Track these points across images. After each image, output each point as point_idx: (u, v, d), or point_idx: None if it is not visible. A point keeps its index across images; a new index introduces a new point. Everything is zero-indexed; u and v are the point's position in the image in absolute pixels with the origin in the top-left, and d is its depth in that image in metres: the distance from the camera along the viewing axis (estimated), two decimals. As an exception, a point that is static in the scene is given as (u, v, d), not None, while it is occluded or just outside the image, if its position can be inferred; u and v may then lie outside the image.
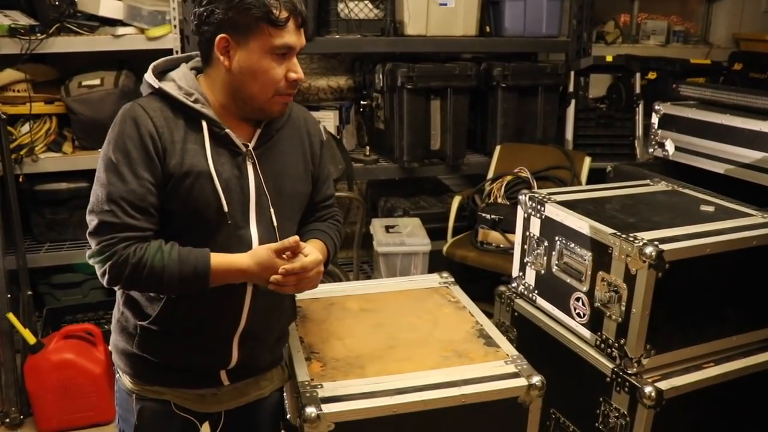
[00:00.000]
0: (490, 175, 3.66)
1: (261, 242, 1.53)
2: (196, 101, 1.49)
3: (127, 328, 1.59)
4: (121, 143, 1.43)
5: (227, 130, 1.50)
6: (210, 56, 1.49)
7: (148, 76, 1.53)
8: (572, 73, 3.92)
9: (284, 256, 1.48)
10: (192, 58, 1.60)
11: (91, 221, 1.43)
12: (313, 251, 1.52)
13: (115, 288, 1.48)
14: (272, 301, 1.60)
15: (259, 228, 1.54)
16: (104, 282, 1.45)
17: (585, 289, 2.02)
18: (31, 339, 2.84)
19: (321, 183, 1.74)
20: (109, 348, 1.69)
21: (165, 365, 1.58)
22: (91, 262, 1.45)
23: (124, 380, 1.65)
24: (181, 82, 1.51)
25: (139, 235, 1.43)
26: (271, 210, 1.55)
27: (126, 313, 1.59)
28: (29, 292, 3.04)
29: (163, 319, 1.53)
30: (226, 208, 1.48)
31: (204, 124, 1.49)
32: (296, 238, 1.47)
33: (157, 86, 1.50)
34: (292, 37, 1.45)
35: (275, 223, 1.55)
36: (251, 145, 1.54)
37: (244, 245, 1.51)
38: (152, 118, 1.45)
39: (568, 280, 2.09)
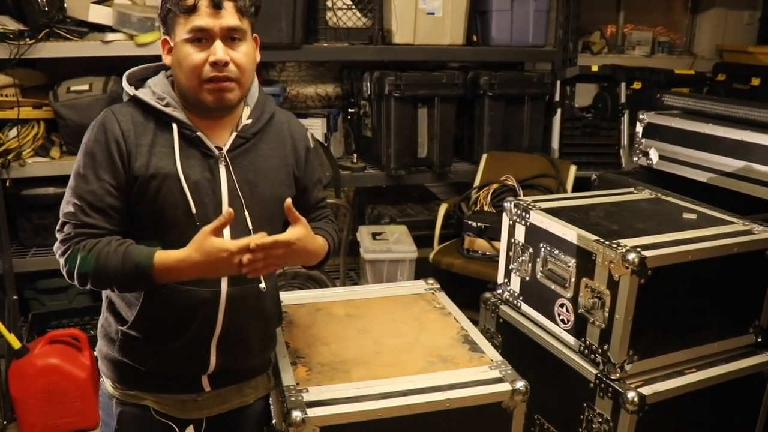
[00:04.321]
0: (477, 183, 3.68)
1: None
2: (167, 105, 1.52)
3: (110, 333, 1.60)
4: (90, 147, 1.49)
5: (198, 133, 1.52)
6: None
7: (124, 84, 1.57)
8: (558, 82, 3.96)
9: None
10: None
11: (59, 219, 1.50)
12: (292, 231, 1.47)
13: (75, 283, 1.49)
14: (249, 305, 1.59)
15: (232, 231, 1.52)
16: (65, 276, 1.49)
17: (569, 295, 2.04)
18: (16, 344, 2.83)
19: (311, 187, 1.75)
20: (95, 353, 1.70)
21: (145, 370, 1.58)
22: (56, 256, 1.50)
23: (106, 385, 1.66)
24: (155, 88, 1.55)
25: (94, 232, 1.46)
26: (246, 213, 1.55)
27: (109, 318, 1.60)
28: (15, 297, 3.03)
29: (140, 323, 1.54)
30: (194, 210, 1.48)
31: (174, 126, 1.51)
32: (230, 210, 1.41)
33: (132, 93, 1.54)
34: (203, 19, 1.45)
35: (250, 227, 1.54)
36: (225, 149, 1.54)
37: None
38: (119, 123, 1.49)
39: (553, 287, 2.11)
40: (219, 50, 1.46)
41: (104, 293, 1.61)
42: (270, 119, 1.64)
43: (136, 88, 1.56)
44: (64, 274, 1.49)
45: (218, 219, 1.40)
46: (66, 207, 1.48)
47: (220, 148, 1.54)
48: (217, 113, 1.55)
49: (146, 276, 1.43)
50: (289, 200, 1.48)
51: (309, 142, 1.74)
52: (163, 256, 1.44)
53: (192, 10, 1.45)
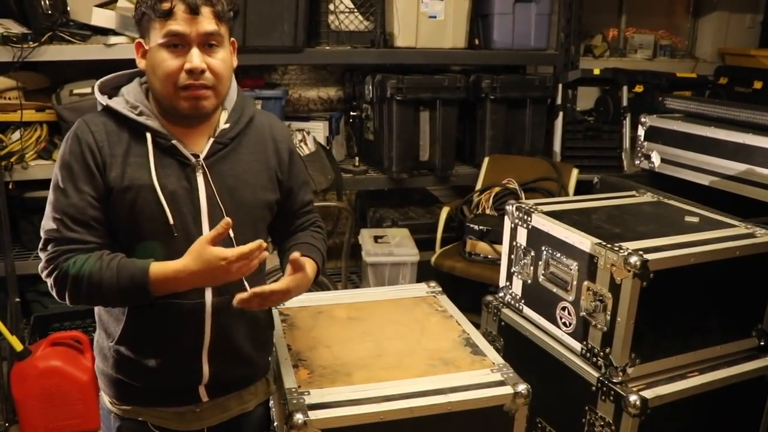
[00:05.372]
0: (479, 186, 3.68)
1: None
2: (140, 114, 1.48)
3: (103, 349, 1.58)
4: (65, 159, 1.45)
5: (174, 141, 1.48)
6: None
7: (96, 93, 1.53)
8: (560, 85, 3.96)
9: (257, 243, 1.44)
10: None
11: (41, 237, 1.46)
12: (292, 278, 1.48)
13: (67, 302, 1.47)
14: (236, 312, 1.54)
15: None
16: (55, 296, 1.46)
17: (571, 298, 2.04)
18: (18, 346, 2.83)
19: (296, 190, 1.70)
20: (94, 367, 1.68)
21: (140, 386, 1.57)
22: (42, 276, 1.47)
23: (104, 399, 1.65)
24: (129, 96, 1.51)
25: (80, 247, 1.43)
26: None
27: (101, 335, 1.59)
28: (17, 299, 3.03)
29: (128, 338, 1.52)
30: (171, 221, 1.46)
31: (148, 136, 1.47)
32: (228, 220, 1.39)
33: (105, 103, 1.50)
34: (179, 24, 1.41)
35: (232, 235, 1.49)
36: (202, 156, 1.51)
37: None
38: (93, 132, 1.46)
39: (555, 290, 2.10)
40: (195, 57, 1.43)
41: (96, 309, 1.58)
42: (249, 122, 1.60)
43: (110, 97, 1.52)
44: (54, 294, 1.46)
45: (216, 228, 1.39)
46: (47, 223, 1.45)
47: (197, 156, 1.50)
48: (193, 120, 1.51)
49: (142, 288, 1.41)
50: (296, 254, 1.47)
51: (292, 143, 1.70)
52: (159, 267, 1.42)
53: (168, 14, 1.41)
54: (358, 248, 3.57)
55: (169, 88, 1.45)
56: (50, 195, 1.46)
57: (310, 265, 1.61)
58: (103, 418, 1.69)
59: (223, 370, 1.60)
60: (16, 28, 2.94)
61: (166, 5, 1.40)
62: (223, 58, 1.48)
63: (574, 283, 2.02)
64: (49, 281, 1.45)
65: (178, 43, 1.43)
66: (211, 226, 1.50)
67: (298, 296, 2.17)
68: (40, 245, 1.46)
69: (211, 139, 1.53)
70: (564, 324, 2.08)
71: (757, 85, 4.15)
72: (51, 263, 1.43)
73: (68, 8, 3.11)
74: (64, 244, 1.43)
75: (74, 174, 1.44)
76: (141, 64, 1.50)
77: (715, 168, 2.70)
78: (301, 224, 1.75)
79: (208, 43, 1.45)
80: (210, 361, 1.57)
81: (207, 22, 1.43)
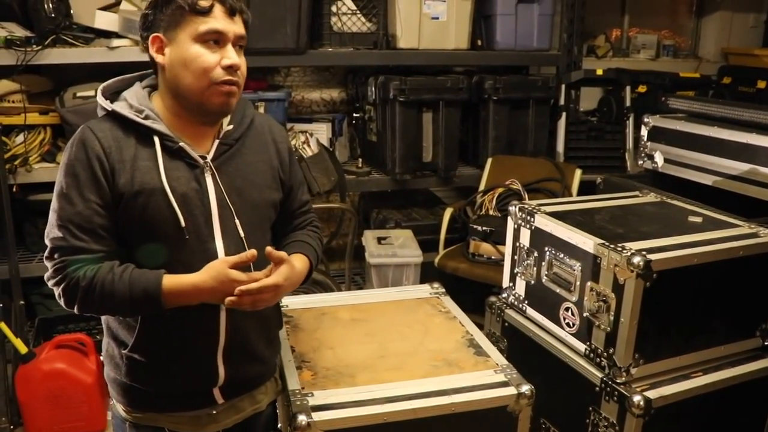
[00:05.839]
0: (482, 187, 3.68)
1: (228, 255, 1.50)
2: (146, 117, 1.47)
3: (114, 357, 1.58)
4: (70, 167, 1.44)
5: (181, 143, 1.48)
6: (154, 62, 1.50)
7: (99, 99, 1.53)
8: (563, 86, 3.96)
9: (269, 267, 1.48)
10: (146, 76, 1.60)
11: (46, 246, 1.45)
12: (279, 273, 1.48)
13: (75, 311, 1.47)
14: (249, 312, 1.54)
15: (225, 241, 1.52)
16: (63, 304, 1.46)
17: (574, 299, 2.04)
18: (23, 348, 2.84)
19: (295, 190, 1.72)
20: (104, 377, 1.67)
21: (156, 391, 1.56)
22: (49, 285, 1.46)
23: (118, 408, 1.64)
24: (132, 100, 1.51)
25: (89, 257, 1.42)
26: (237, 221, 1.53)
27: (111, 343, 1.58)
28: (21, 302, 3.04)
29: (142, 345, 1.52)
30: (183, 223, 1.46)
31: (156, 139, 1.47)
32: (253, 252, 1.43)
33: (110, 108, 1.49)
34: (220, 23, 1.44)
35: (242, 235, 1.53)
36: (209, 157, 1.52)
37: (210, 260, 1.47)
38: (100, 139, 1.44)
39: (558, 290, 2.10)
40: (233, 54, 1.46)
41: (103, 318, 1.58)
42: (251, 123, 1.62)
43: (111, 102, 1.52)
44: (62, 303, 1.46)
45: (239, 256, 1.42)
46: (53, 231, 1.43)
47: (204, 157, 1.51)
48: (214, 118, 1.52)
49: (155, 301, 1.42)
50: (269, 247, 1.47)
51: (290, 143, 1.73)
52: (172, 280, 1.43)
53: (208, 11, 1.43)
54: (361, 250, 3.58)
55: (204, 82, 1.45)
56: (54, 203, 1.45)
57: (300, 261, 1.62)
58: (117, 427, 1.67)
59: (238, 371, 1.60)
60: (19, 32, 2.95)
61: (205, 3, 1.43)
62: (245, 61, 1.52)
63: (578, 283, 2.02)
64: (57, 290, 1.45)
65: (217, 40, 1.45)
66: (222, 227, 1.52)
67: (302, 298, 2.21)
68: (46, 253, 1.45)
69: (217, 141, 1.54)
70: (567, 324, 2.08)
71: (761, 84, 4.15)
72: (59, 273, 1.43)
73: (71, 11, 3.13)
74: (70, 253, 1.42)
75: (80, 182, 1.43)
76: (159, 58, 1.48)
77: (718, 168, 2.69)
78: (298, 224, 1.76)
79: (239, 45, 1.49)
80: (225, 362, 1.57)
81: (240, 25, 1.49)
